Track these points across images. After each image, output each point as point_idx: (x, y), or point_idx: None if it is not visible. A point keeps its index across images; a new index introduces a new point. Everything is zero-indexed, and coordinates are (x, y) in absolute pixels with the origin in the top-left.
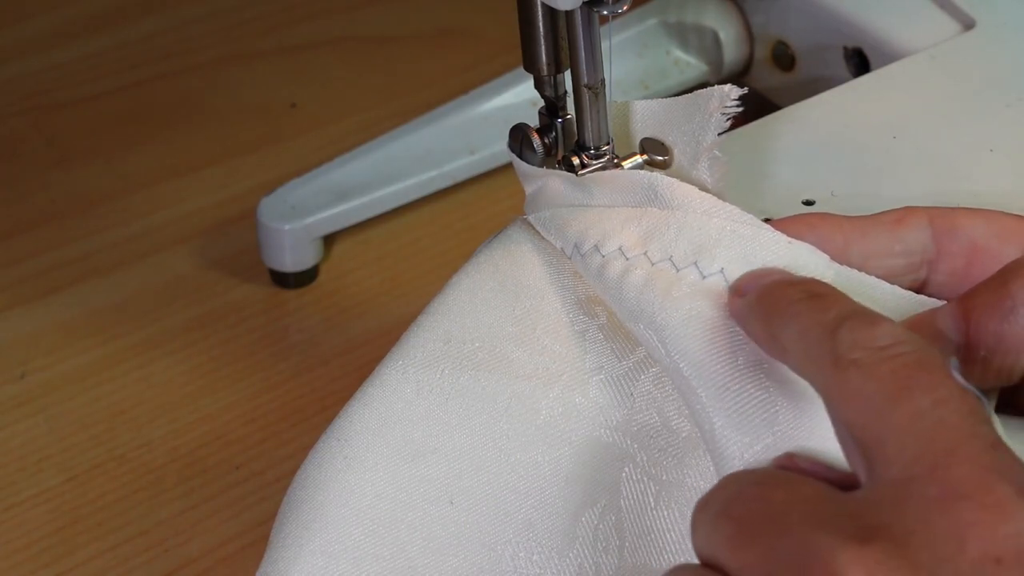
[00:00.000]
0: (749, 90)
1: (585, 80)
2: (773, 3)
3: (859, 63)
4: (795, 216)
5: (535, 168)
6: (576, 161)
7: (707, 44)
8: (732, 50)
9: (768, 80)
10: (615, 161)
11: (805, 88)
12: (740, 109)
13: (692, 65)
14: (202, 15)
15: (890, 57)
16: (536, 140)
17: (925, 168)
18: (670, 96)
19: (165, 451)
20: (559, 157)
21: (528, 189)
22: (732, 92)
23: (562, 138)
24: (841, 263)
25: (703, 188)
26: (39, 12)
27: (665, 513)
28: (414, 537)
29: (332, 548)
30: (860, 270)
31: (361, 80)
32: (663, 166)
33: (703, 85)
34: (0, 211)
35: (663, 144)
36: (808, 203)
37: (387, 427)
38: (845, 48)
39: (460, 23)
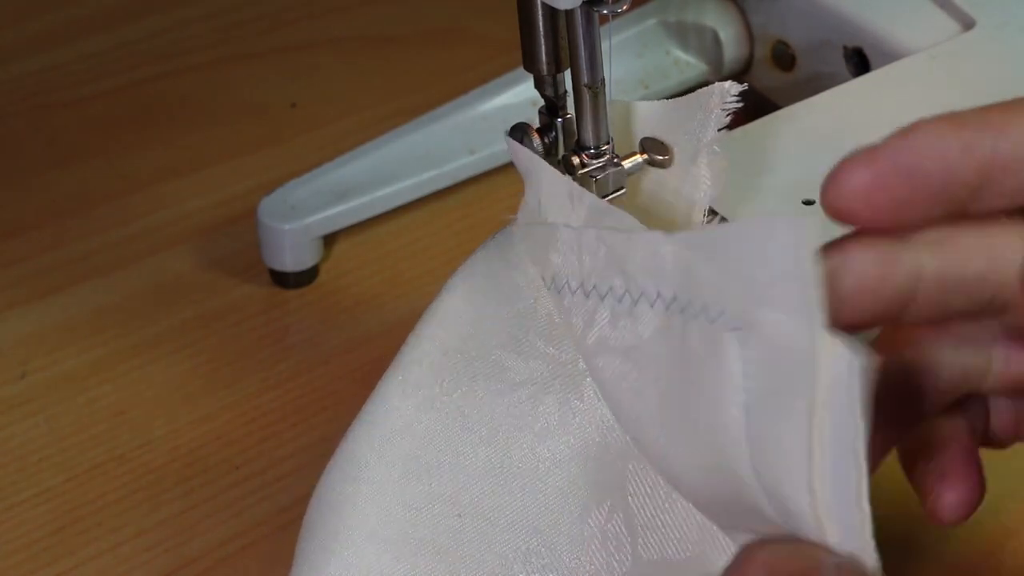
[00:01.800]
0: (749, 89)
1: (585, 80)
2: (773, 3)
3: (859, 63)
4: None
5: (531, 155)
6: (576, 160)
7: (707, 44)
8: (732, 50)
9: (768, 80)
10: (615, 161)
11: (805, 88)
12: (740, 105)
13: (692, 65)
14: (202, 15)
15: (890, 57)
16: (536, 139)
17: None
18: (670, 96)
19: (165, 451)
20: (559, 157)
21: (526, 180)
22: (732, 88)
23: (562, 137)
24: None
25: (703, 185)
26: (39, 12)
27: (679, 505)
28: (425, 552)
29: (349, 571)
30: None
31: (361, 80)
32: (663, 166)
33: (703, 85)
34: (0, 211)
35: (663, 144)
36: (808, 203)
37: (391, 446)
38: (845, 48)
39: (460, 23)
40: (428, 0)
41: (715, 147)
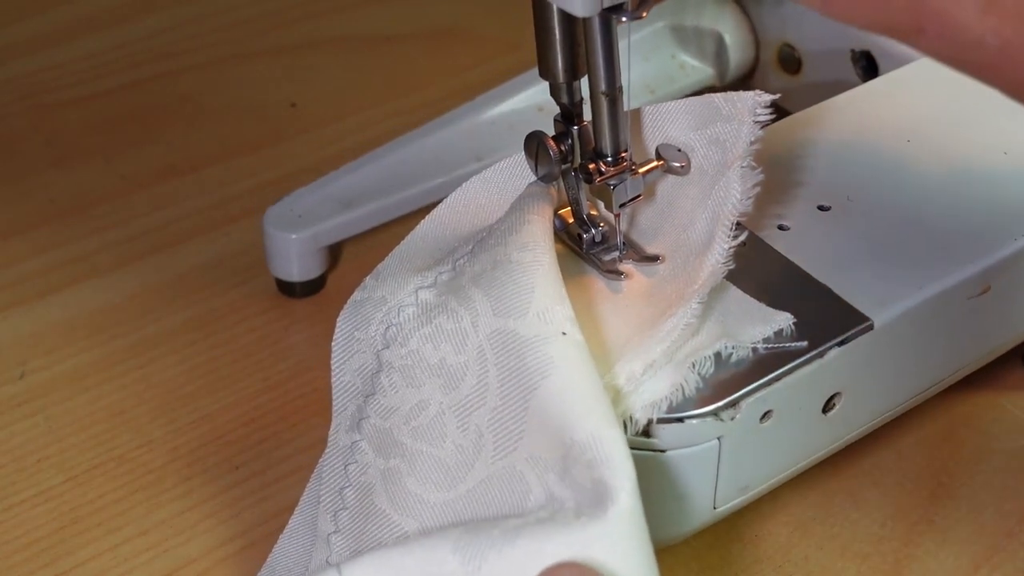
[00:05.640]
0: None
1: (603, 87)
2: (779, 6)
3: (867, 66)
4: None
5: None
6: (593, 168)
7: (713, 48)
8: (738, 53)
9: (774, 83)
10: (632, 168)
11: (812, 91)
12: (773, 117)
13: (698, 69)
14: (202, 15)
15: (898, 59)
16: (552, 147)
17: (940, 171)
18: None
19: (165, 451)
20: (575, 165)
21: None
22: (764, 98)
23: (578, 145)
24: None
25: (731, 198)
26: (39, 12)
27: None
28: None
29: None
30: None
31: (361, 80)
32: (680, 172)
33: (709, 89)
34: (0, 211)
35: (680, 150)
36: (823, 208)
37: None
38: (852, 51)
39: (460, 23)
40: (428, 0)
41: (751, 161)
